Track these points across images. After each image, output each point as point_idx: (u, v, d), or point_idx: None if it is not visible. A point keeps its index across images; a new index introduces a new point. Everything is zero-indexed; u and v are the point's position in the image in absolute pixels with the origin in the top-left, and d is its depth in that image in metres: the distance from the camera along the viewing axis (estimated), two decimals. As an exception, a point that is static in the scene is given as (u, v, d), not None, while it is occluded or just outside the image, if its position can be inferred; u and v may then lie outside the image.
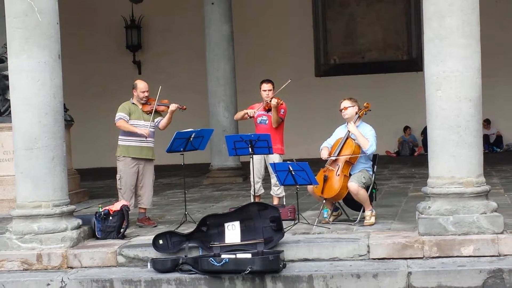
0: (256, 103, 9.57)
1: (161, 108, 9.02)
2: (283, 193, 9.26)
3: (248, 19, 18.97)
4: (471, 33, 7.22)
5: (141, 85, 8.99)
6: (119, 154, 8.94)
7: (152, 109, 8.91)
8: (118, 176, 8.93)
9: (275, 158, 9.08)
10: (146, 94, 8.95)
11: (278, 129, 9.27)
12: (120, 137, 8.95)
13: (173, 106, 8.92)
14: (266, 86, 9.30)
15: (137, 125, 8.84)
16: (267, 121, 9.27)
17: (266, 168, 9.27)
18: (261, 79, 9.51)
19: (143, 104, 8.96)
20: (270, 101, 9.15)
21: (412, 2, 19.89)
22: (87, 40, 20.12)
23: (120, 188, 8.91)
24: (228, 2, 14.58)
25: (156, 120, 8.99)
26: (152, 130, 8.94)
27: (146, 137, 8.77)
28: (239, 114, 9.69)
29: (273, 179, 9.17)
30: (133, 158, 8.86)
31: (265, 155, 9.11)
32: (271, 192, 9.30)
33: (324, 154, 8.33)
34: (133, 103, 8.97)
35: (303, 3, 20.01)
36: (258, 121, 9.33)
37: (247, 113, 9.40)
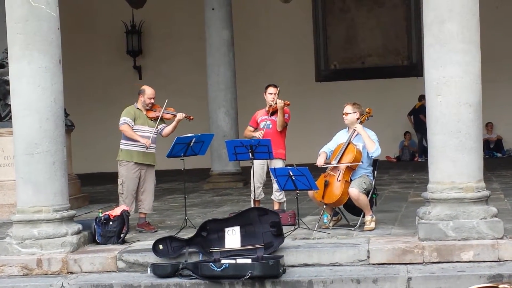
0: (258, 110, 9.57)
1: (167, 116, 9.03)
2: (284, 199, 9.26)
3: (248, 24, 18.98)
4: (471, 38, 7.23)
5: (149, 91, 8.99)
6: (121, 159, 8.90)
7: (158, 116, 8.93)
8: (120, 181, 8.91)
9: (278, 163, 9.07)
10: (152, 100, 8.96)
11: (281, 134, 9.26)
12: (122, 141, 8.91)
13: (180, 116, 8.93)
14: (272, 90, 9.33)
15: (141, 131, 8.84)
16: (270, 125, 9.26)
17: (268, 173, 9.25)
18: (261, 84, 9.54)
19: (147, 110, 8.97)
20: (276, 103, 9.16)
21: (412, 7, 19.90)
22: (87, 45, 20.11)
23: (122, 193, 8.89)
24: (228, 7, 14.58)
25: (159, 127, 9.00)
26: (155, 136, 8.95)
27: (147, 148, 8.77)
28: (247, 135, 9.40)
29: (275, 184, 9.17)
30: (135, 163, 8.85)
31: (268, 160, 9.09)
32: (272, 197, 9.29)
33: (320, 161, 8.32)
34: (137, 108, 8.98)
35: (304, 9, 20.00)
36: (262, 126, 9.30)
37: (255, 136, 9.19)
